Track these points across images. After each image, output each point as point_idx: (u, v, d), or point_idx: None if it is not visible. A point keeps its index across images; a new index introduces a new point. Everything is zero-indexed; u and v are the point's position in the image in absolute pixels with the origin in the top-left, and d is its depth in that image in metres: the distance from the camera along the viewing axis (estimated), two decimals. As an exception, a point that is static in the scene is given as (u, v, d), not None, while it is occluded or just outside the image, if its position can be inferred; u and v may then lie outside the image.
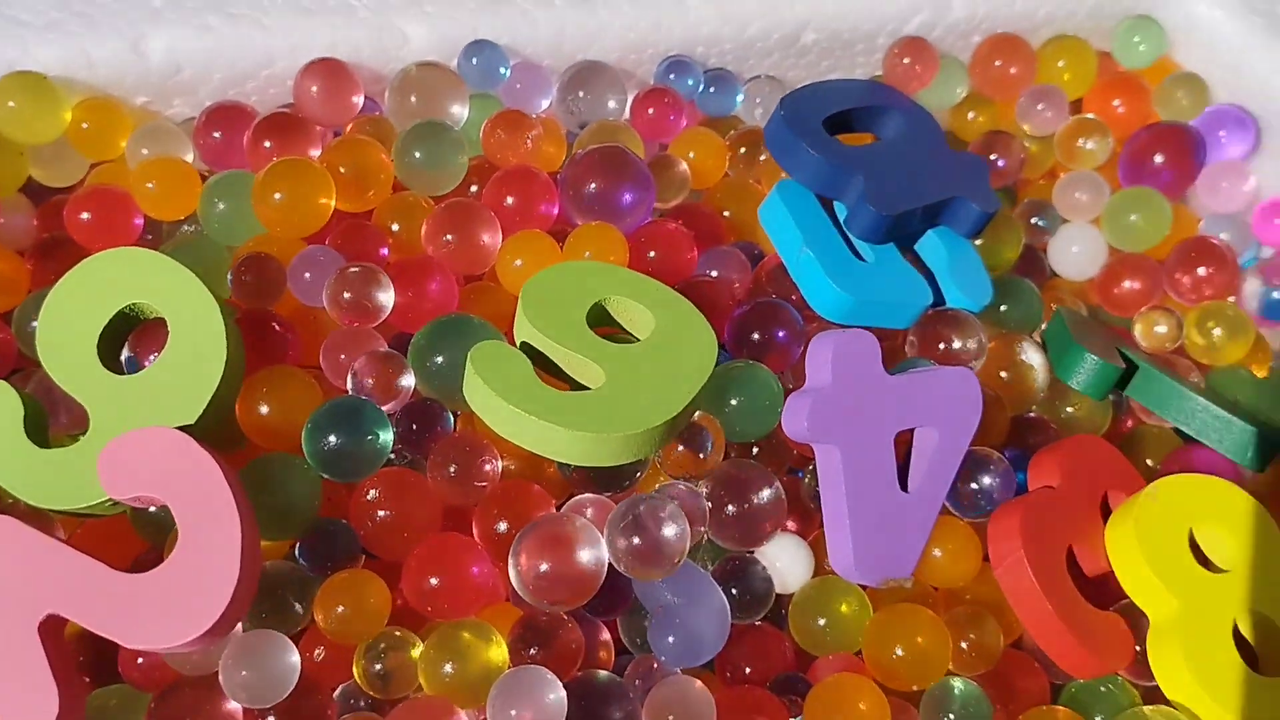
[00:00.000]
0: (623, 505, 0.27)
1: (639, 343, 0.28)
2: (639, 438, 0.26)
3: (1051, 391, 0.33)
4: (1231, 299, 0.36)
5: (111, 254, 0.28)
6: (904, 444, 0.29)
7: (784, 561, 0.29)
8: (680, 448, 0.28)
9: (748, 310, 0.31)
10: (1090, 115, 0.38)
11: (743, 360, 0.30)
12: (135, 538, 0.27)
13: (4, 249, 0.31)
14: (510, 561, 0.26)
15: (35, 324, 0.30)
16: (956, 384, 0.29)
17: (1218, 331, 0.35)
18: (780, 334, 0.30)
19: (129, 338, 0.28)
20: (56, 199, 0.33)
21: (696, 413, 0.28)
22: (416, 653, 0.26)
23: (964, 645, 0.28)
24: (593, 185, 0.32)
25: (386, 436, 0.28)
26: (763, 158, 0.35)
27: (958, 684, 0.27)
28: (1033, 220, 0.37)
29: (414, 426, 0.28)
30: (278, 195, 0.30)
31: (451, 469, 0.28)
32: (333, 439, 0.27)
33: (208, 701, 0.26)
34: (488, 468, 0.28)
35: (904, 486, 0.29)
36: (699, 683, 0.27)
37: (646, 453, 0.27)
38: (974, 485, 0.30)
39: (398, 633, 0.27)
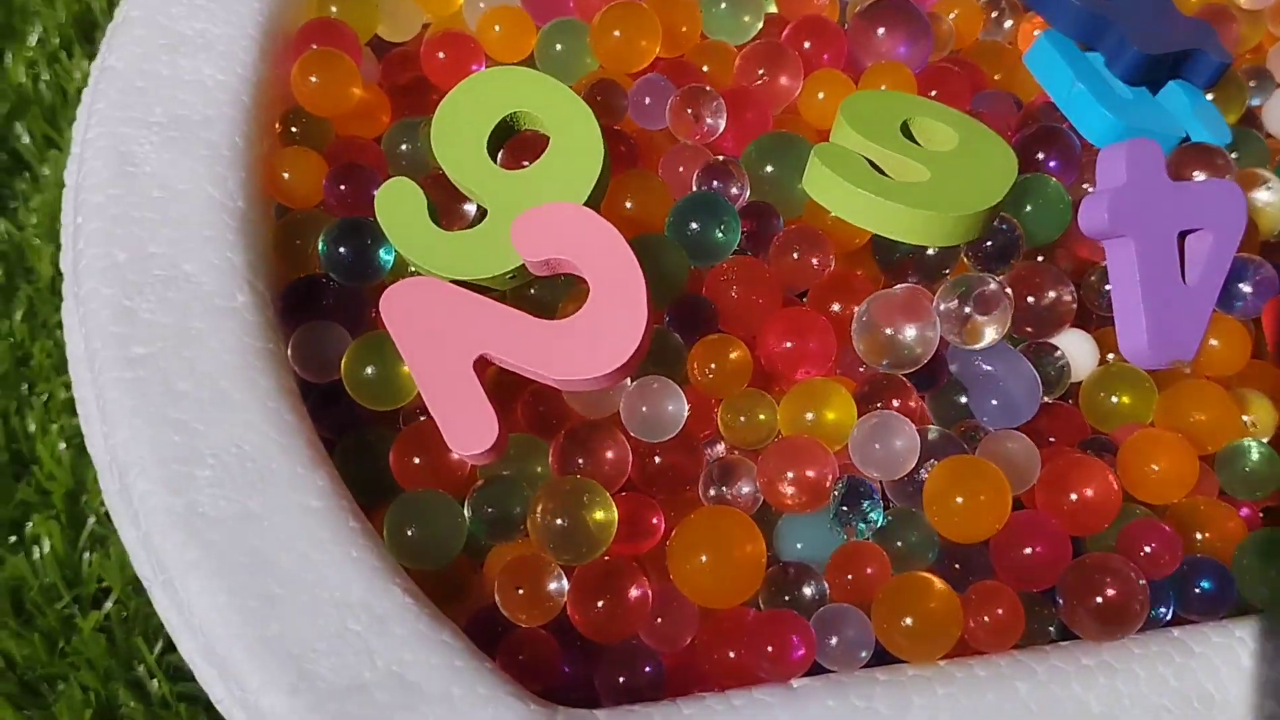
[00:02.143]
0: (953, 283, 0.30)
1: (952, 149, 0.32)
2: (968, 219, 0.30)
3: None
4: None
5: (497, 70, 0.32)
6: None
7: (1072, 350, 0.32)
8: (988, 243, 0.32)
9: (1031, 132, 0.34)
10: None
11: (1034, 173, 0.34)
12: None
13: (370, 84, 0.35)
14: (859, 327, 0.30)
15: (404, 146, 0.34)
16: (1227, 193, 0.33)
17: None
18: (1059, 153, 0.34)
19: (504, 146, 0.32)
20: (396, 51, 0.37)
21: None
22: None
23: (1246, 419, 0.32)
24: (880, 30, 0.36)
25: (736, 225, 0.31)
26: (1007, 24, 0.39)
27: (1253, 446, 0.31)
28: (1249, 84, 0.41)
29: (752, 224, 0.32)
30: (616, 33, 0.34)
31: (795, 254, 0.31)
32: (693, 225, 0.31)
33: (604, 439, 0.30)
34: (820, 258, 0.32)
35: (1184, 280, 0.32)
36: (1022, 435, 0.30)
37: (971, 236, 0.31)
38: (1242, 285, 0.33)
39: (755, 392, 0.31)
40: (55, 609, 0.40)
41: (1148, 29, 0.36)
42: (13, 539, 0.41)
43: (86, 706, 0.38)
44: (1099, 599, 0.28)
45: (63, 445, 0.42)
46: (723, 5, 0.36)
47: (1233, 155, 0.37)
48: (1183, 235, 0.33)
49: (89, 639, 0.38)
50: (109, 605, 0.40)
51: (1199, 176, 0.35)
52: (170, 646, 0.39)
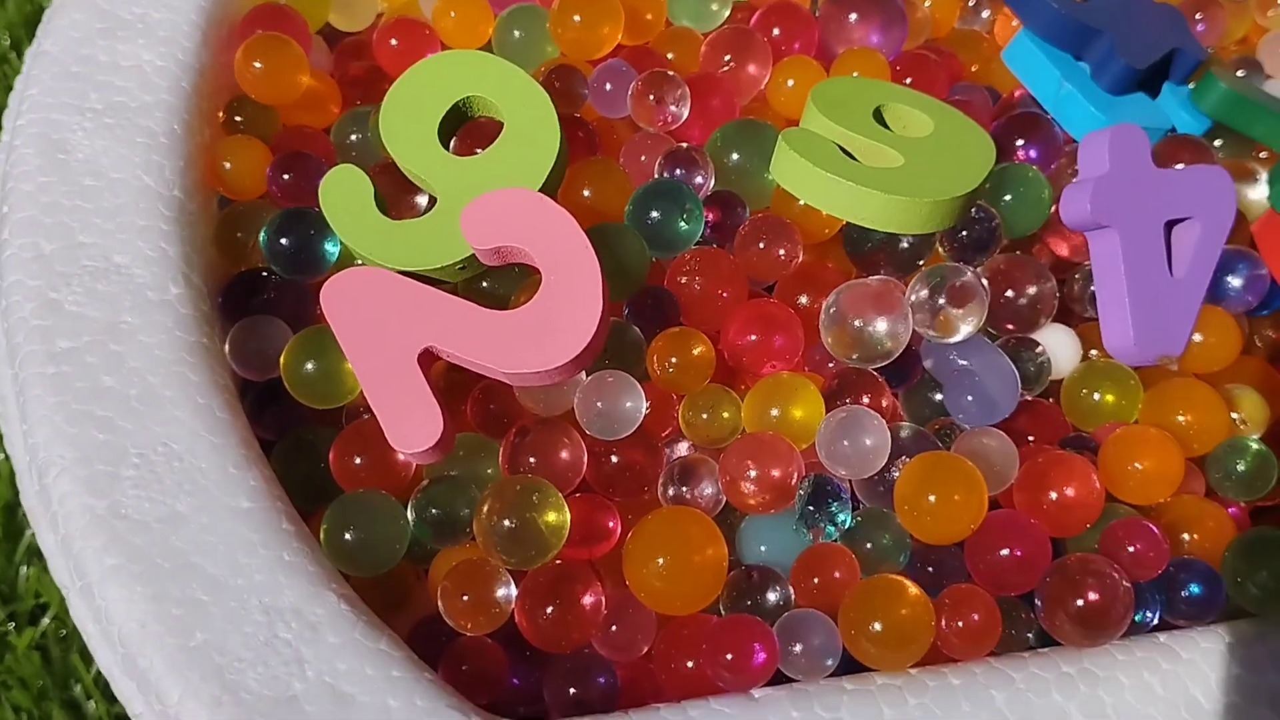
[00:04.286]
0: (926, 273, 0.29)
1: (927, 136, 0.31)
2: (943, 206, 0.29)
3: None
4: None
5: (450, 54, 0.31)
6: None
7: (1054, 345, 0.31)
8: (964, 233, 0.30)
9: (1010, 118, 0.33)
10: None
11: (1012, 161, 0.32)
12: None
13: (320, 71, 0.34)
14: (828, 319, 0.29)
15: (354, 136, 0.33)
16: (1215, 180, 0.31)
17: None
18: (1040, 141, 0.33)
19: (457, 133, 0.31)
20: (349, 40, 0.36)
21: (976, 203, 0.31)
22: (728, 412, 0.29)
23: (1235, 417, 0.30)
24: (853, 15, 0.34)
25: (699, 214, 0.30)
26: (985, 13, 0.38)
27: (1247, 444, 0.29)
28: (1238, 73, 0.39)
29: (717, 214, 0.31)
30: (576, 18, 0.33)
31: (761, 244, 0.30)
32: (654, 214, 0.30)
33: (557, 438, 0.28)
34: (788, 248, 0.30)
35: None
36: (999, 432, 0.29)
37: (946, 224, 0.29)
38: (1231, 278, 0.32)
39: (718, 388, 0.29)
40: (-12, 626, 0.38)
41: (1134, 38, 0.35)
42: (-55, 555, 0.40)
43: (21, 727, 0.36)
44: (1080, 602, 0.26)
45: (1, 455, 0.41)
46: (688, -10, 0.35)
47: (1216, 142, 0.36)
48: (1169, 226, 0.31)
49: (23, 657, 0.37)
50: (46, 622, 0.38)
51: (1182, 168, 0.34)
52: (112, 664, 0.37)
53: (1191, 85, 0.36)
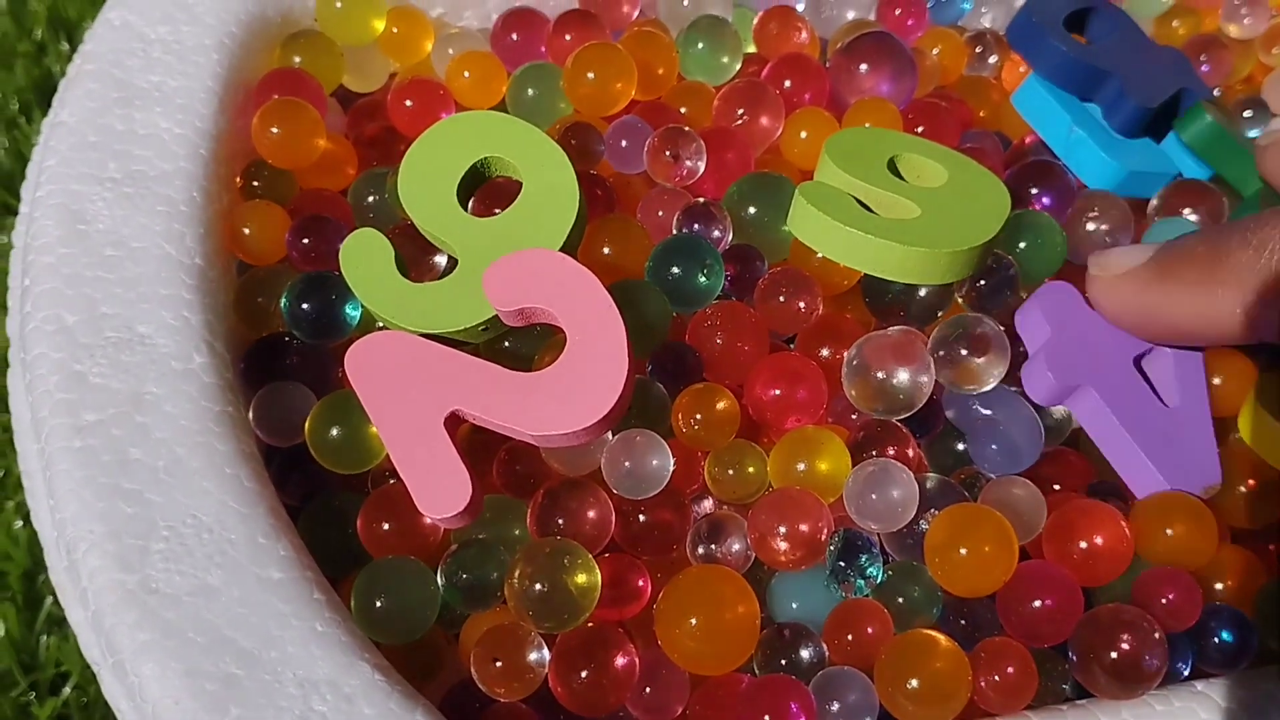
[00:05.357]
0: (949, 323, 0.29)
1: (941, 186, 0.31)
2: (961, 256, 0.29)
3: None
4: None
5: (467, 115, 0.31)
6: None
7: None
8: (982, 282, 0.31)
9: (1023, 166, 0.33)
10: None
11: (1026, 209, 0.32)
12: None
13: (335, 134, 0.34)
14: (850, 371, 0.29)
15: (371, 198, 0.33)
16: None
17: None
18: (1053, 188, 0.33)
19: (475, 194, 0.31)
20: (363, 101, 0.36)
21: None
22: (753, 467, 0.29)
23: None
24: (863, 66, 0.35)
25: (720, 269, 0.30)
26: (992, 59, 0.38)
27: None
28: (1244, 114, 0.40)
29: (735, 268, 0.31)
30: (590, 75, 0.33)
31: (781, 297, 0.30)
32: (675, 269, 0.30)
33: (585, 498, 0.28)
34: (808, 301, 0.30)
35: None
36: (1026, 481, 0.29)
37: (965, 274, 0.29)
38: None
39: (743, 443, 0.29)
40: (10, 697, 0.38)
41: (1143, 79, 0.35)
42: (-35, 624, 0.39)
43: (44, 799, 0.35)
44: (1114, 654, 0.26)
45: (19, 523, 0.40)
46: (700, 45, 0.35)
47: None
48: (1137, 361, 0.30)
49: (46, 727, 0.36)
50: (68, 691, 0.38)
51: (1190, 214, 0.34)
52: (134, 732, 0.37)
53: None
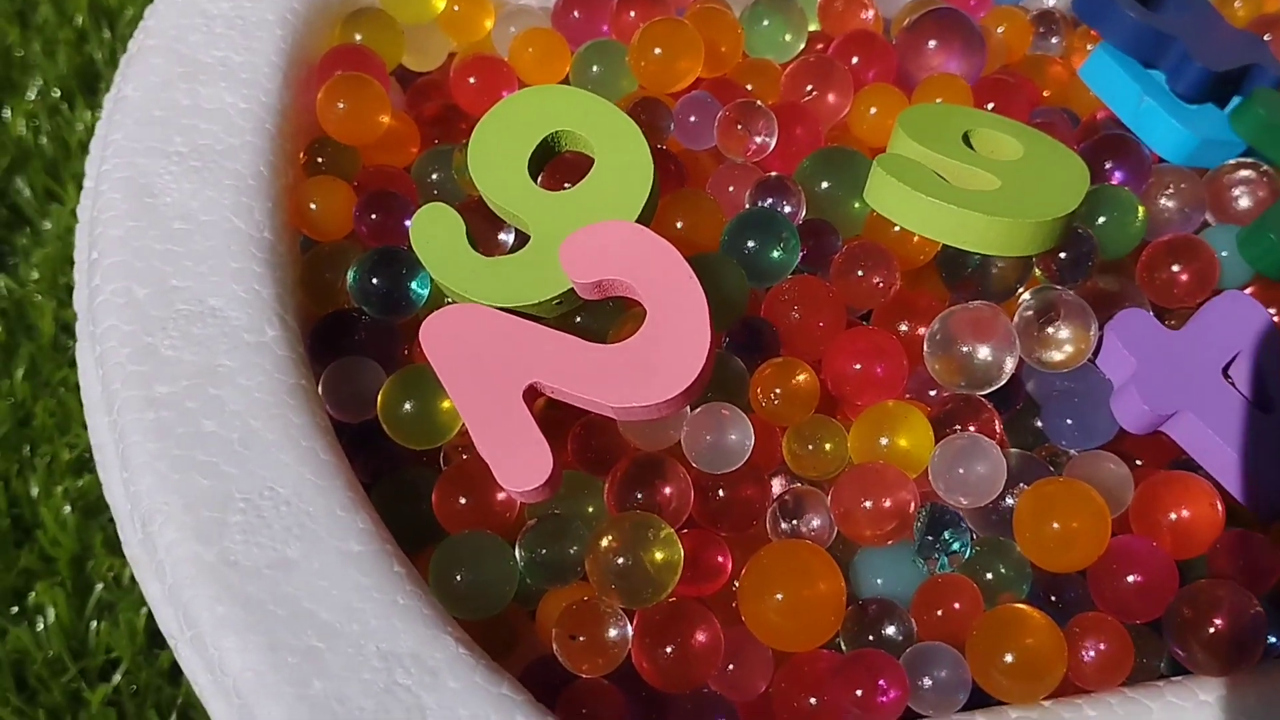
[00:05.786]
0: (1032, 295, 0.29)
1: (1018, 160, 0.30)
2: (1045, 227, 0.28)
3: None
4: None
5: (538, 89, 0.31)
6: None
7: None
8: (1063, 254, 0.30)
9: (1097, 140, 0.33)
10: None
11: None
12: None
13: (399, 111, 0.34)
14: (934, 345, 0.28)
15: (435, 174, 0.32)
16: (1236, 306, 0.30)
17: None
18: (1128, 162, 0.32)
19: (544, 169, 0.31)
20: (423, 80, 0.36)
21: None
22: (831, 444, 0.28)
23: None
24: (932, 42, 0.34)
25: (795, 243, 0.30)
26: (1055, 40, 0.38)
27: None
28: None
29: (809, 243, 0.30)
30: (657, 50, 0.33)
31: (859, 272, 0.29)
32: (750, 243, 0.29)
33: (664, 473, 0.27)
34: (885, 276, 0.30)
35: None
36: (1113, 455, 0.28)
37: (1047, 245, 0.29)
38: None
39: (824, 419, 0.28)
40: (61, 682, 0.37)
41: (1208, 44, 0.34)
42: (14, 609, 0.39)
43: (97, 786, 0.35)
44: (1212, 629, 0.25)
45: (67, 508, 0.40)
46: (765, 22, 0.35)
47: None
48: (1225, 371, 0.29)
49: (98, 714, 0.36)
50: (118, 677, 0.37)
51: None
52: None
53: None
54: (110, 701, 0.37)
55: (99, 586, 0.39)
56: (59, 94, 0.51)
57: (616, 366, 0.26)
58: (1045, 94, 0.37)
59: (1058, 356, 0.28)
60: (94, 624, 0.38)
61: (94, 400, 0.28)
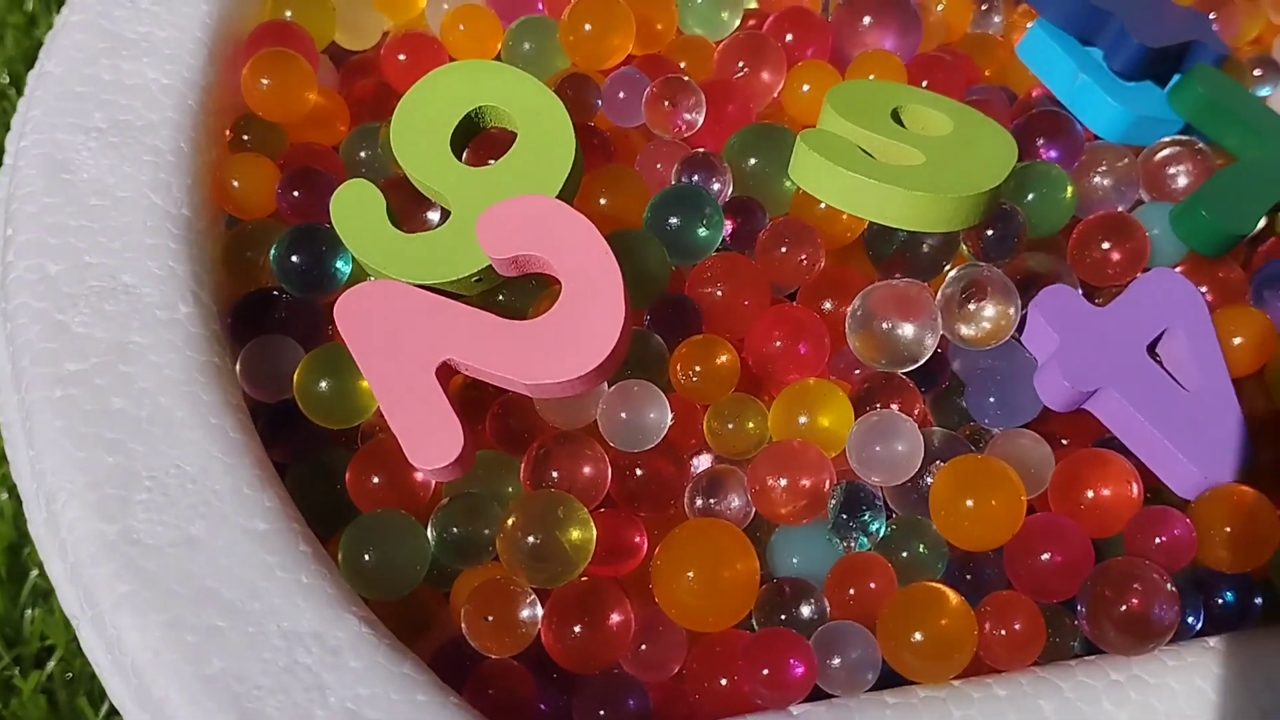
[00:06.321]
0: (956, 273, 0.28)
1: (946, 135, 0.30)
2: (968, 203, 0.28)
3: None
4: None
5: (461, 64, 0.30)
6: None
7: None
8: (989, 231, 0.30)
9: (1030, 117, 0.32)
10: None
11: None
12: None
13: (327, 89, 0.33)
14: (854, 322, 0.28)
15: (363, 153, 0.32)
16: (1167, 284, 0.29)
17: None
18: (1061, 139, 0.32)
19: (469, 145, 0.30)
20: (355, 58, 0.35)
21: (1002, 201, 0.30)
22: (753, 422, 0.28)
23: None
24: (867, 19, 0.34)
25: (720, 220, 0.29)
26: (997, 18, 0.38)
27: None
28: (1254, 72, 0.39)
29: (736, 220, 0.30)
30: (587, 27, 0.32)
31: (783, 249, 0.29)
32: (673, 220, 0.29)
33: (580, 451, 0.27)
34: (810, 253, 0.29)
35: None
36: (1034, 434, 0.28)
37: (971, 221, 0.29)
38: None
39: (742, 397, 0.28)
40: (-8, 670, 0.37)
41: (1146, 21, 0.34)
42: (-54, 598, 0.39)
43: (26, 774, 0.35)
44: (1124, 608, 0.25)
45: (4, 495, 0.40)
46: (699, 0, 0.34)
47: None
48: (1151, 347, 0.29)
49: (29, 701, 0.36)
50: (52, 665, 0.37)
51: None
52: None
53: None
54: (42, 689, 0.37)
55: (34, 573, 0.38)
56: (8, 79, 0.50)
57: (530, 343, 0.26)
58: (986, 73, 0.37)
59: (978, 333, 0.28)
60: (29, 612, 0.38)
61: (3, 379, 0.27)
